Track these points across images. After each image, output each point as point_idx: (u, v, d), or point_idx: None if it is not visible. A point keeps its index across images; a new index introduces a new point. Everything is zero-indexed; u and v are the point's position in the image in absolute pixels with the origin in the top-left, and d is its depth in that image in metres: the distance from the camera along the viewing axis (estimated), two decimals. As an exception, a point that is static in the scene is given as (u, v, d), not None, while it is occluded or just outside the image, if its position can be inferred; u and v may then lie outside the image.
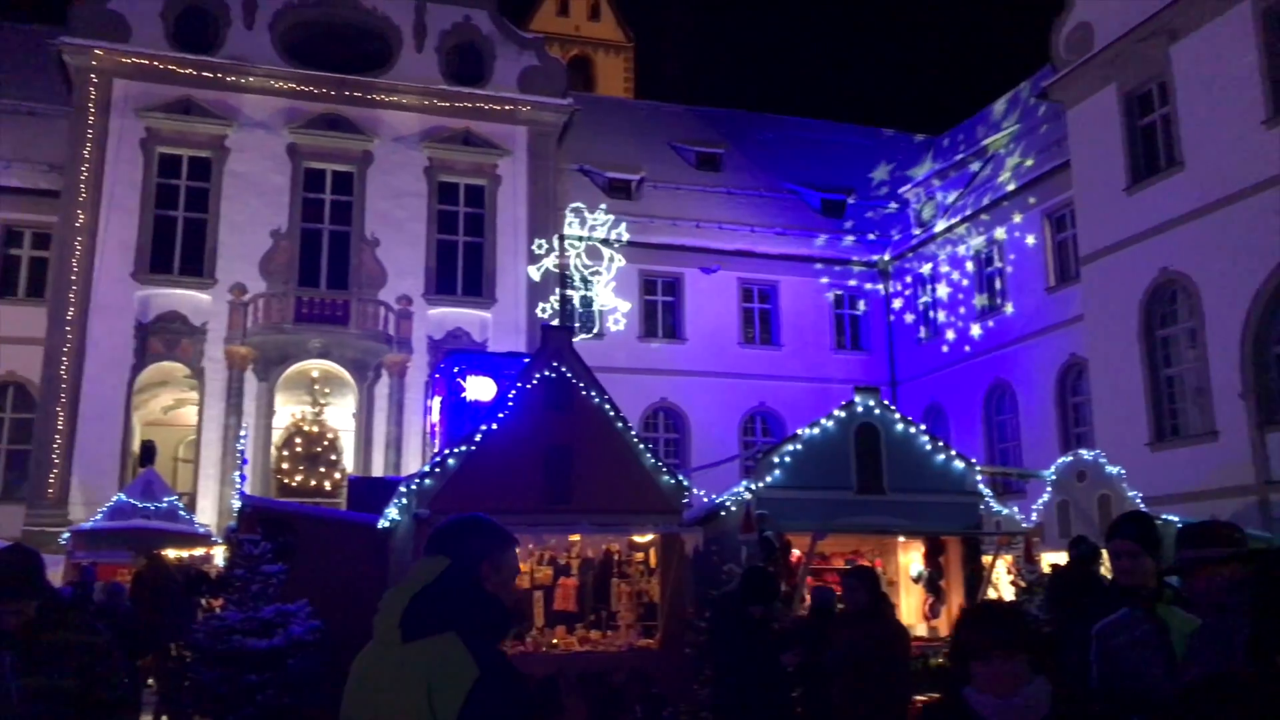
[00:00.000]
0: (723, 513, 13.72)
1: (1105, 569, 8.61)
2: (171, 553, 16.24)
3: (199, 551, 17.84)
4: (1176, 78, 19.66)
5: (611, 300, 23.36)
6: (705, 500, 14.92)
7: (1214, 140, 18.62)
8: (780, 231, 29.71)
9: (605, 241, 23.68)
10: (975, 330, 26.67)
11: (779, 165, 32.23)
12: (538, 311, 24.85)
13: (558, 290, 24.10)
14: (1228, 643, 2.67)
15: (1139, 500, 15.52)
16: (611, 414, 12.53)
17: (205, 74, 25.02)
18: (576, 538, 12.59)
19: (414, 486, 11.87)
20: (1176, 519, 13.61)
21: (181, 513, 18.07)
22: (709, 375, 27.84)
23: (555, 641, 12.18)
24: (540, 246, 24.35)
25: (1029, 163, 25.63)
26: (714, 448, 26.08)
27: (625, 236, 24.44)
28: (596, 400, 12.49)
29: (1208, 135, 18.79)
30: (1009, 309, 25.63)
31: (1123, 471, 16.01)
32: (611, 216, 24.26)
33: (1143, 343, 20.02)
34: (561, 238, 25.06)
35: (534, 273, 23.95)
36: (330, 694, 11.24)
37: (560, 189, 27.58)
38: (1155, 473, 18.11)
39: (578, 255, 23.32)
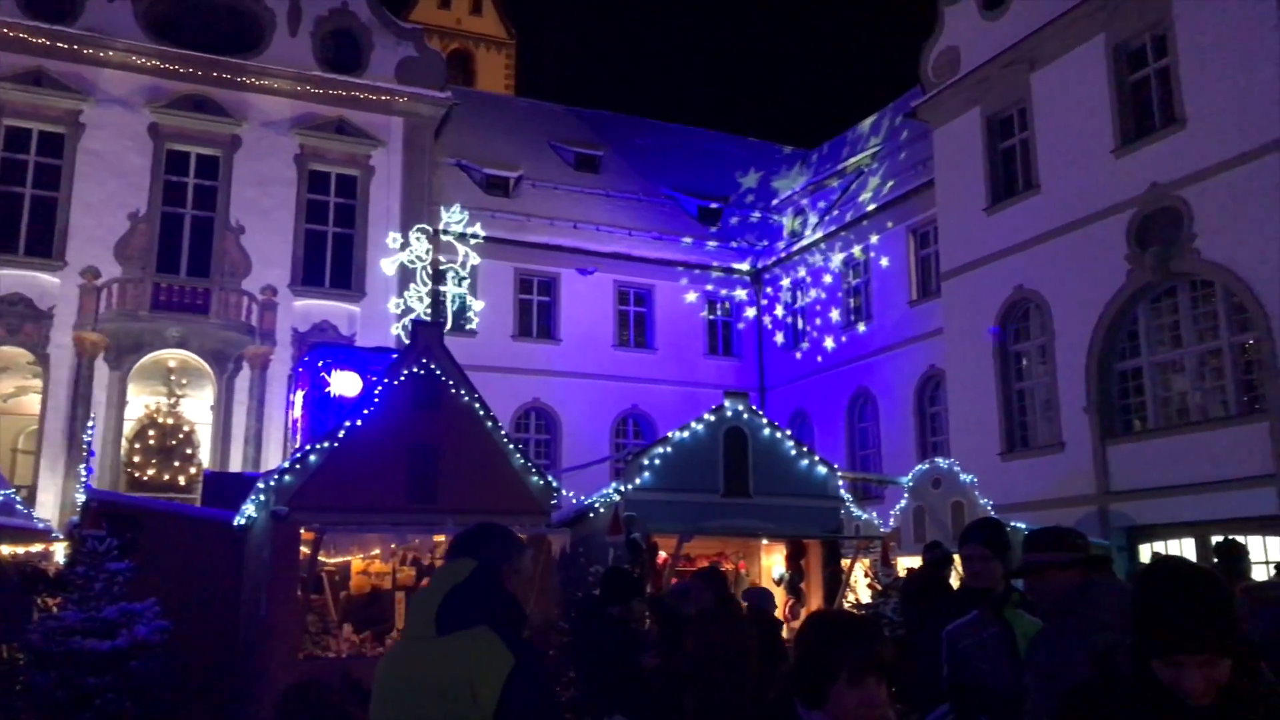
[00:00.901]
0: (591, 514, 13.75)
1: (957, 574, 8.91)
2: (5, 549, 15.34)
3: (37, 548, 16.86)
4: (1036, 104, 20.62)
5: (467, 298, 22.95)
6: (574, 502, 14.92)
7: (1068, 165, 19.59)
8: (657, 236, 29.95)
9: (461, 237, 23.33)
10: (841, 339, 27.39)
11: (657, 170, 32.48)
12: (391, 306, 24.33)
13: (413, 285, 23.58)
14: (1066, 644, 2.79)
15: (990, 507, 16.20)
16: (481, 413, 12.39)
17: (60, 45, 23.71)
18: (441, 538, 12.42)
19: (273, 483, 11.51)
20: (1024, 526, 14.24)
21: (19, 506, 17.01)
22: (582, 376, 27.83)
23: (417, 643, 11.96)
24: (395, 240, 23.73)
25: (894, 181, 26.48)
26: (585, 449, 26.08)
27: (481, 233, 24.14)
28: (466, 399, 12.33)
29: (1062, 160, 19.76)
30: (873, 320, 26.42)
31: (975, 479, 16.68)
32: (467, 214, 23.96)
33: (997, 357, 20.89)
34: (437, 233, 24.69)
35: (387, 266, 23.36)
36: (176, 697, 10.75)
37: (436, 183, 27.17)
38: (1006, 481, 18.93)
39: (427, 252, 22.89)
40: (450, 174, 28.47)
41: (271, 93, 25.35)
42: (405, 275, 23.77)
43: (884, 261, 26.12)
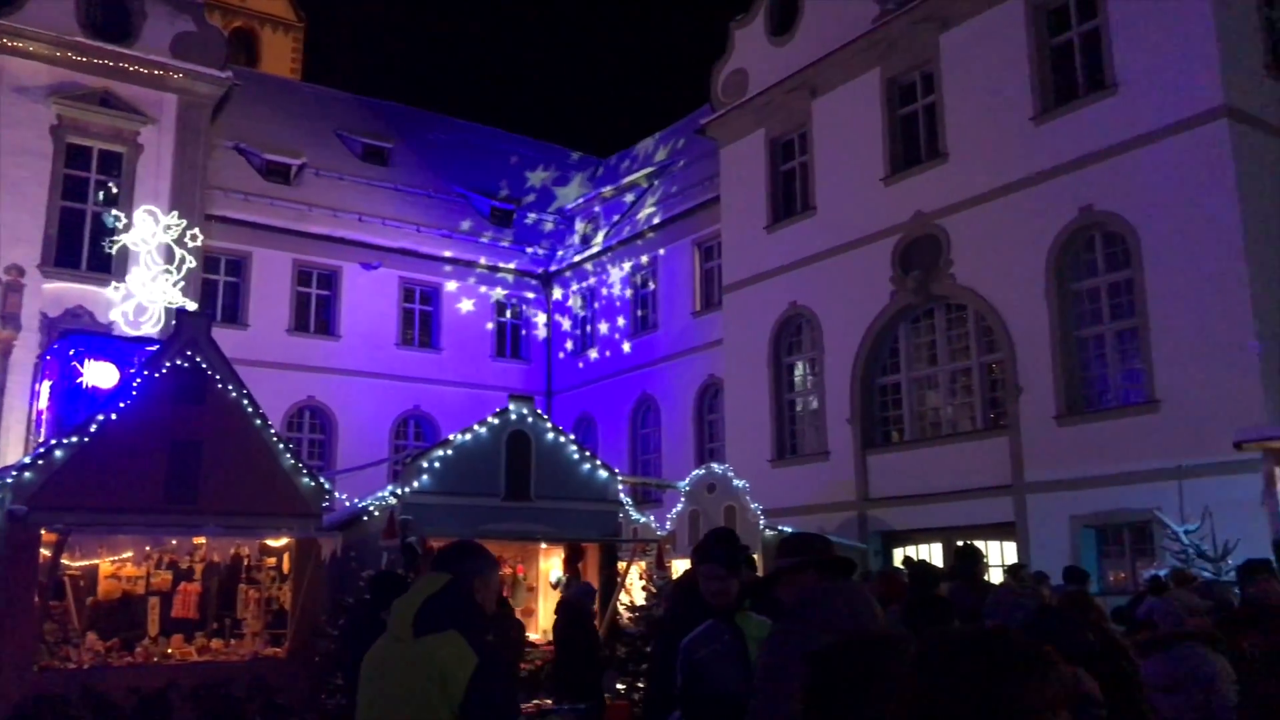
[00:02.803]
0: (366, 518, 13.41)
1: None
2: None
3: None
4: (816, 130, 21.68)
5: (176, 296, 21.37)
6: (348, 504, 14.50)
7: (842, 190, 20.70)
8: (446, 234, 29.50)
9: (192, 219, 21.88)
10: (627, 346, 27.86)
11: (448, 167, 32.00)
12: (109, 291, 22.76)
13: (135, 269, 22.07)
14: (788, 646, 2.93)
15: (760, 511, 16.89)
16: (249, 410, 11.86)
17: None
18: (201, 540, 11.79)
19: (10, 479, 10.60)
20: (790, 530, 14.95)
21: None
22: (362, 375, 27.05)
23: (170, 651, 11.31)
24: (118, 219, 21.95)
25: (682, 195, 27.18)
26: (363, 450, 25.34)
27: (199, 235, 22.53)
28: (234, 394, 11.77)
29: (837, 185, 20.87)
30: (658, 329, 27.02)
31: (747, 485, 17.35)
32: (174, 216, 22.53)
33: (771, 368, 21.82)
34: (210, 218, 23.37)
35: (109, 248, 21.64)
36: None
37: (212, 166, 25.77)
38: (775, 487, 19.77)
39: (153, 234, 21.46)
40: (227, 157, 27.06)
41: (26, 56, 23.28)
42: (184, 262, 22.19)
43: (665, 275, 26.79)
